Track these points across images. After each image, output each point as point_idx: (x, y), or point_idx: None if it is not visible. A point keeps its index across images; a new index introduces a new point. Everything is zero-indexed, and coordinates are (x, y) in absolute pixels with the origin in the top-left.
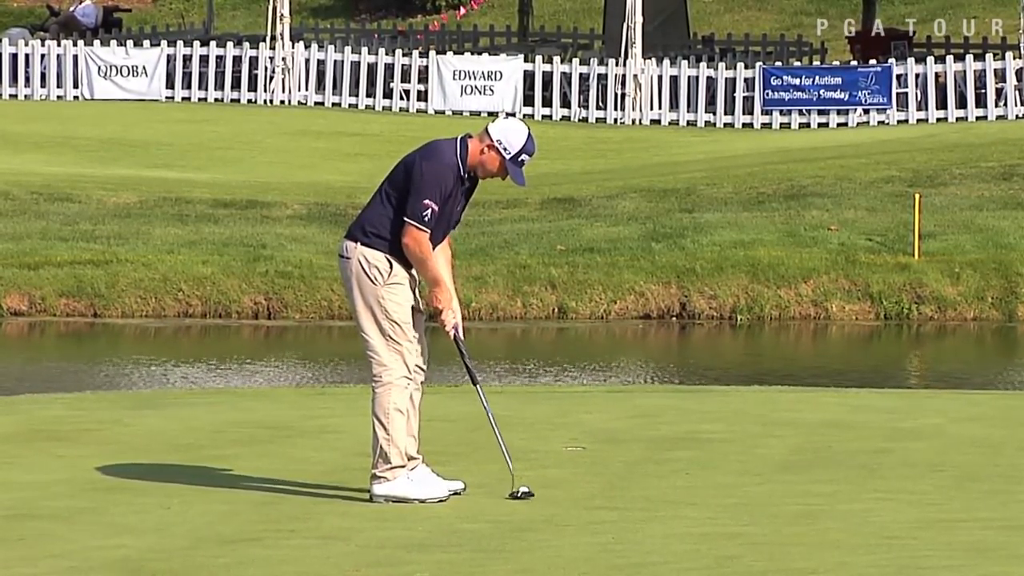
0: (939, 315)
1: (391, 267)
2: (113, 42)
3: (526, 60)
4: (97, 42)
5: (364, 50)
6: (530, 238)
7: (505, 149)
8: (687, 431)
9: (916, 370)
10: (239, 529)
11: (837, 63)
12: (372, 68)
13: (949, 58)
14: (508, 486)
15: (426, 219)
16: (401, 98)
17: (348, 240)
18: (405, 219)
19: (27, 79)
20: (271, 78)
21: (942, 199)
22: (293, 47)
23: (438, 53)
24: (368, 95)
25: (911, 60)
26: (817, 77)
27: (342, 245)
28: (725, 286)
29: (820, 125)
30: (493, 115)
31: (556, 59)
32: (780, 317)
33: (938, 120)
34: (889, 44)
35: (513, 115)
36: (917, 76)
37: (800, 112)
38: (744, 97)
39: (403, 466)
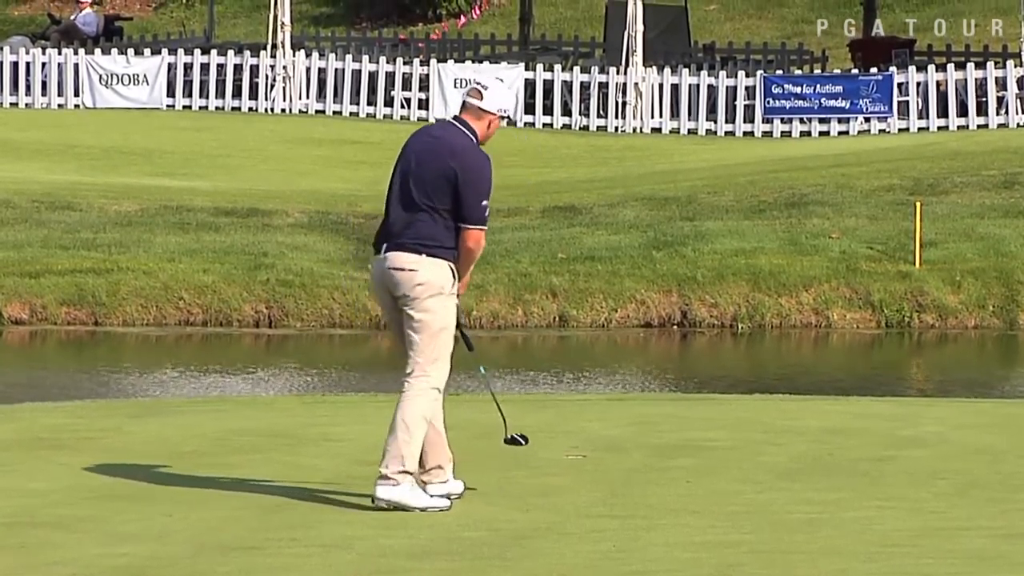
0: (940, 323)
1: (453, 279)
2: (114, 50)
3: (527, 68)
4: (98, 50)
5: (365, 58)
6: (531, 246)
7: (507, 113)
8: (688, 439)
9: (917, 378)
10: (240, 537)
11: (838, 71)
12: (373, 76)
13: (950, 66)
14: (510, 495)
15: (488, 218)
16: (402, 106)
17: (407, 252)
18: (469, 225)
19: (28, 87)
20: (272, 86)
21: (943, 207)
22: (294, 55)
23: (439, 61)
24: (369, 103)
25: (912, 68)
26: (818, 85)
27: (394, 257)
28: (726, 294)
29: (821, 133)
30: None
31: (557, 67)
32: (781, 325)
33: (939, 128)
34: (890, 52)
35: (479, 83)
36: (918, 84)
37: (801, 120)
38: (745, 105)
39: (412, 473)
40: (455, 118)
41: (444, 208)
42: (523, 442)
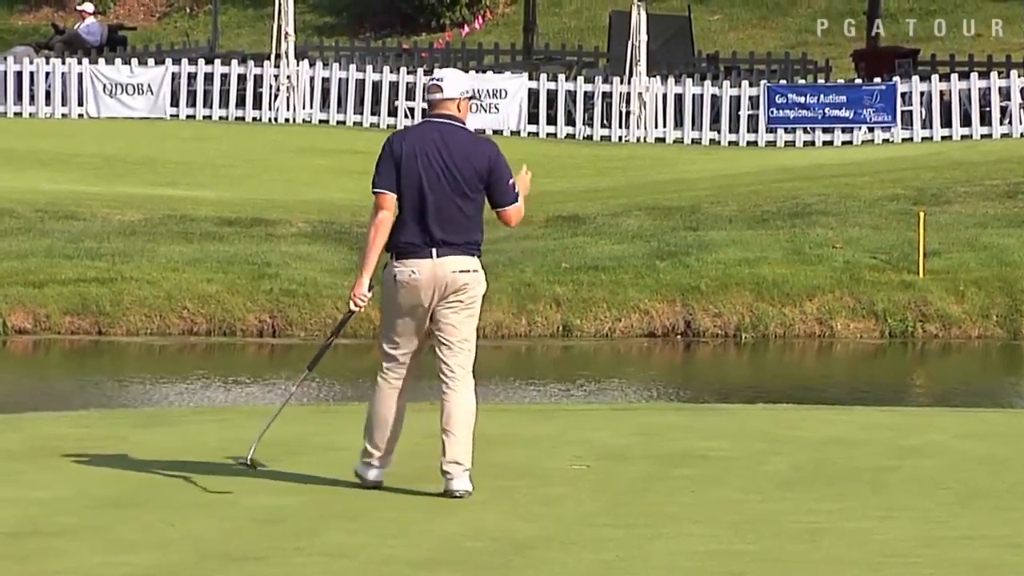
0: (944, 333)
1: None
2: (118, 60)
3: (531, 78)
4: (102, 60)
5: (369, 68)
6: (535, 256)
7: (468, 92)
8: (692, 448)
9: (921, 388)
10: (244, 546)
11: (841, 81)
12: (377, 86)
13: (954, 76)
14: (513, 504)
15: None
16: (406, 116)
17: (465, 256)
18: (510, 206)
19: (32, 97)
20: (276, 96)
21: (947, 217)
22: (298, 65)
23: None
24: (373, 113)
25: (916, 78)
26: (822, 95)
27: (453, 261)
28: (730, 304)
29: (825, 143)
30: (498, 133)
31: (561, 77)
32: (785, 335)
33: (943, 138)
34: (894, 62)
35: (433, 79)
36: (922, 94)
37: (804, 130)
38: (748, 115)
39: None
40: (437, 116)
41: (478, 204)
42: (253, 467)
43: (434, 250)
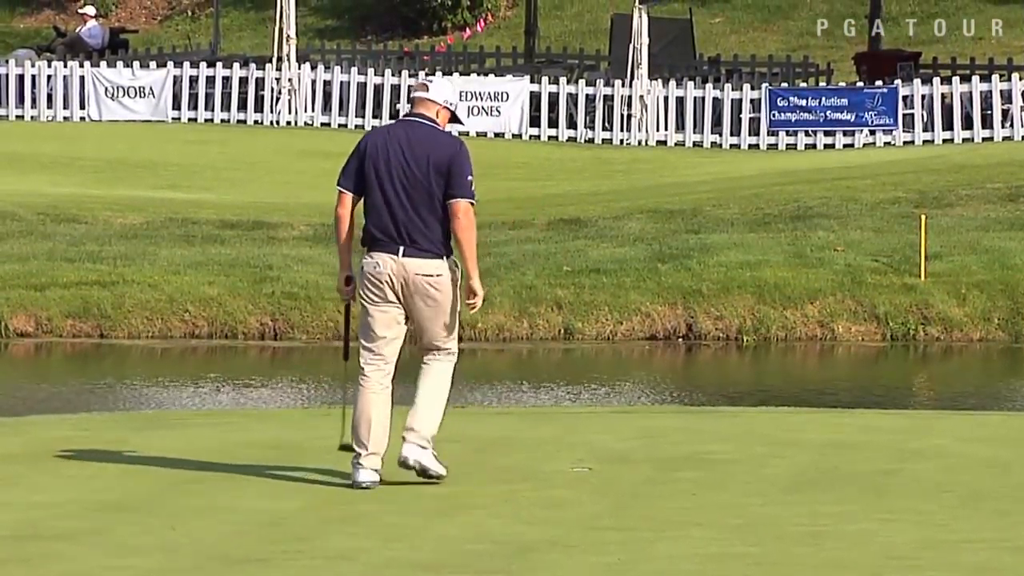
0: (945, 336)
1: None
2: (120, 63)
3: (532, 81)
4: (104, 63)
5: (371, 71)
6: (536, 259)
7: (451, 105)
8: (693, 451)
9: (923, 391)
10: (246, 550)
11: (843, 84)
12: (379, 89)
13: (955, 79)
14: (515, 507)
15: (474, 192)
16: None
17: (431, 259)
18: (461, 199)
19: (34, 100)
20: (278, 99)
21: (948, 220)
22: (300, 68)
23: (444, 74)
24: (375, 116)
25: (917, 81)
26: (823, 98)
27: (421, 263)
28: (731, 307)
29: (826, 146)
30: (499, 136)
31: (562, 80)
32: (786, 338)
33: (944, 141)
34: (895, 65)
35: (425, 79)
36: (923, 97)
37: (806, 133)
38: (750, 118)
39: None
40: (412, 115)
41: (437, 201)
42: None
43: (401, 248)
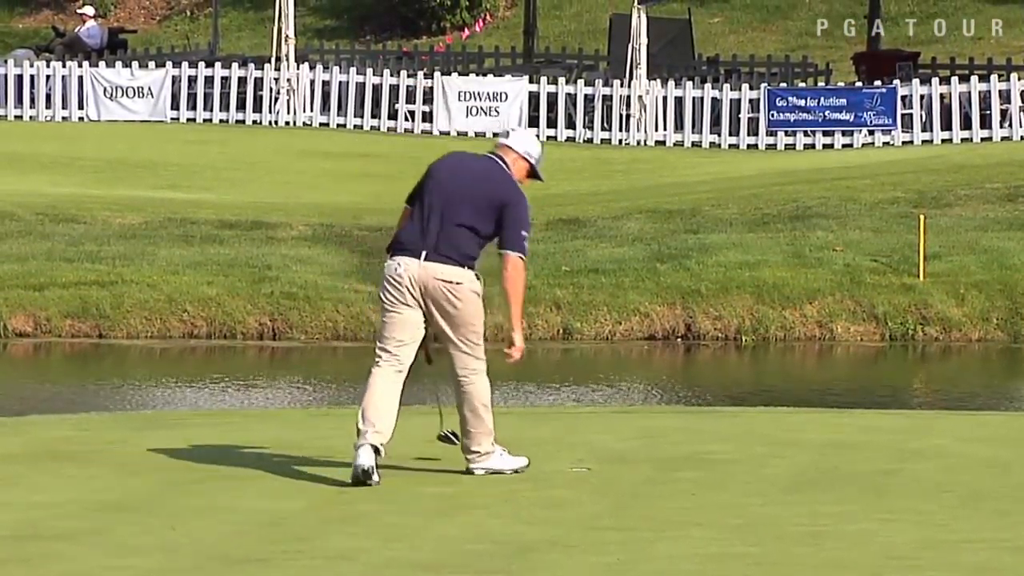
0: (944, 336)
1: (483, 286)
2: (118, 63)
3: (531, 81)
4: (102, 63)
5: (369, 71)
6: (535, 259)
7: (531, 157)
8: (693, 451)
9: (922, 391)
10: (245, 550)
11: (842, 84)
12: (377, 89)
13: (954, 79)
14: (515, 507)
15: (527, 248)
16: (406, 119)
17: (451, 266)
18: (511, 252)
19: (32, 100)
20: (276, 99)
21: (947, 220)
22: (298, 68)
23: (443, 74)
24: (373, 116)
25: (916, 81)
26: (822, 98)
27: (443, 268)
28: (730, 307)
29: (825, 146)
30: (498, 135)
31: (561, 80)
32: (785, 338)
33: (943, 141)
34: (894, 65)
35: (512, 127)
36: (922, 97)
37: (805, 133)
38: (749, 118)
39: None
40: (491, 152)
41: (485, 233)
42: (455, 440)
43: (424, 252)
